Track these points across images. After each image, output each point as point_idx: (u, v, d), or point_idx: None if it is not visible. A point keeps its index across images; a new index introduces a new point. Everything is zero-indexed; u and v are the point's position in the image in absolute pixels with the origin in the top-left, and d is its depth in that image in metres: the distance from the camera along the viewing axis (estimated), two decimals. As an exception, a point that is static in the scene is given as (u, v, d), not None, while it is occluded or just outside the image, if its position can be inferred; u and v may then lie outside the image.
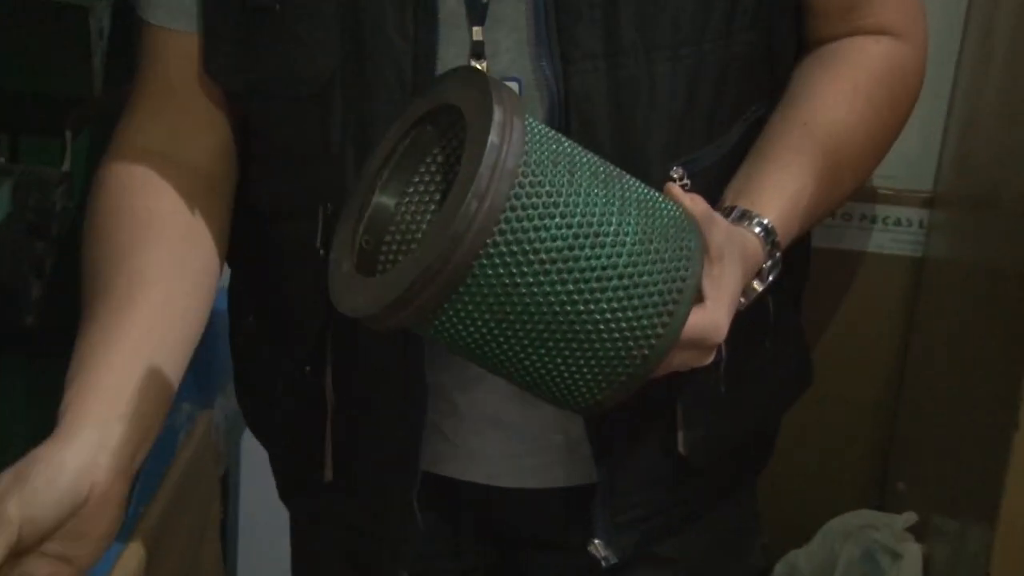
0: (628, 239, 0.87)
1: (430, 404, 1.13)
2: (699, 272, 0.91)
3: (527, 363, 0.89)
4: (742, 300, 1.01)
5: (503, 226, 0.83)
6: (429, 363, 1.11)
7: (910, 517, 1.71)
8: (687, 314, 0.90)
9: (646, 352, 0.90)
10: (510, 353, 0.89)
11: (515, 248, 0.84)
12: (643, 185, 0.93)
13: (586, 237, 0.85)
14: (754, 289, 1.03)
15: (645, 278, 0.88)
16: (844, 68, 1.12)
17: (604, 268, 0.86)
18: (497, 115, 0.85)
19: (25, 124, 1.37)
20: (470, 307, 0.85)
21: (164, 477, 1.43)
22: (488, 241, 0.83)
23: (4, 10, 1.16)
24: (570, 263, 0.84)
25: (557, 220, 0.84)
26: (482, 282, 0.84)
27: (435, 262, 0.82)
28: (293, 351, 1.17)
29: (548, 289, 0.84)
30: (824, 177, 1.09)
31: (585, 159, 0.89)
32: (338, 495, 1.21)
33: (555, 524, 1.23)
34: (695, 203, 0.95)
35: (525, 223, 0.83)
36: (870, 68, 1.12)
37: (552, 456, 1.18)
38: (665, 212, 0.91)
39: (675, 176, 1.04)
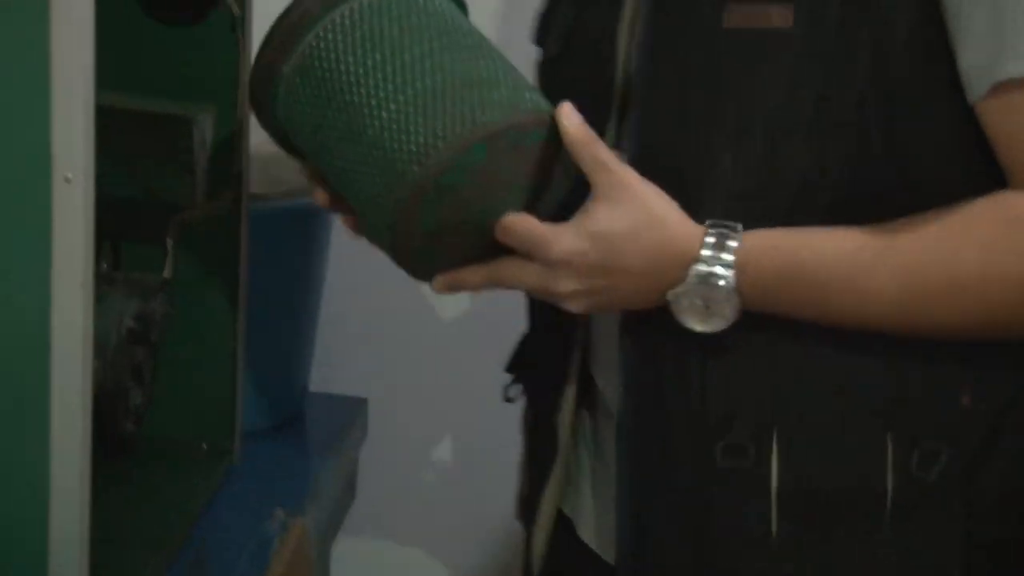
0: (420, 84, 1.06)
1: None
2: (485, 129, 1.03)
3: (340, 165, 1.08)
4: (669, 298, 1.01)
5: (313, 41, 1.09)
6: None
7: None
8: (449, 160, 1.02)
9: (407, 176, 1.04)
10: (332, 151, 1.09)
11: (325, 63, 1.08)
12: (496, 62, 1.08)
13: (383, 68, 1.07)
14: (680, 287, 1.01)
15: (430, 107, 1.05)
16: (969, 205, 1.01)
17: (393, 91, 1.06)
18: None
19: (128, 231, 1.43)
20: (296, 106, 1.10)
21: (259, 585, 1.45)
22: (304, 49, 1.09)
23: (109, 119, 1.20)
24: (365, 80, 1.06)
25: (360, 53, 1.07)
26: (299, 85, 1.10)
27: (258, 52, 1.11)
28: None
29: (348, 99, 1.06)
30: (861, 270, 1.01)
31: (434, 30, 1.09)
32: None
33: None
34: (575, 128, 1.01)
35: (335, 46, 1.09)
36: (995, 214, 1.01)
37: None
38: (493, 83, 1.06)
39: None
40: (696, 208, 1.02)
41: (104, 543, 1.21)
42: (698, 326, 1.01)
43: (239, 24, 1.47)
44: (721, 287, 1.00)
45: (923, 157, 1.00)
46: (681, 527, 1.08)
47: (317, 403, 1.97)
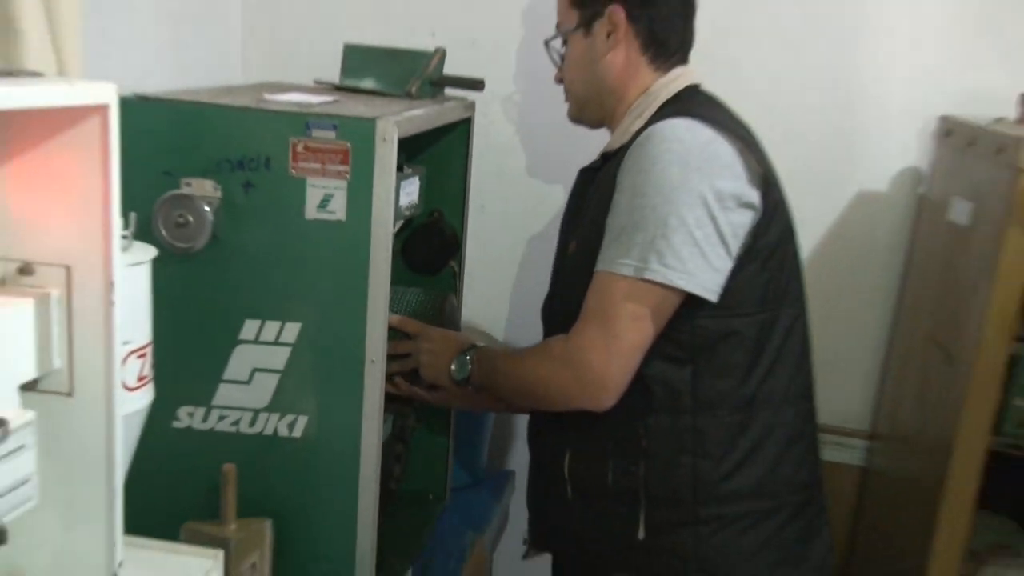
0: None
1: None
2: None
3: None
4: (453, 368, 1.74)
5: None
6: None
7: None
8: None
9: None
10: None
11: None
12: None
13: None
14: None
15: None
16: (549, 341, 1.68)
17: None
18: None
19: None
20: None
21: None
22: None
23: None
24: None
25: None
26: None
27: None
28: None
29: None
30: (505, 368, 1.70)
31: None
32: None
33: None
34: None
35: None
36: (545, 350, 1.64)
37: None
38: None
39: None
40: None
41: (380, 550, 1.64)
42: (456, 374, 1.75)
43: (456, 276, 2.07)
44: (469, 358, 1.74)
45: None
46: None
47: (491, 472, 2.50)
